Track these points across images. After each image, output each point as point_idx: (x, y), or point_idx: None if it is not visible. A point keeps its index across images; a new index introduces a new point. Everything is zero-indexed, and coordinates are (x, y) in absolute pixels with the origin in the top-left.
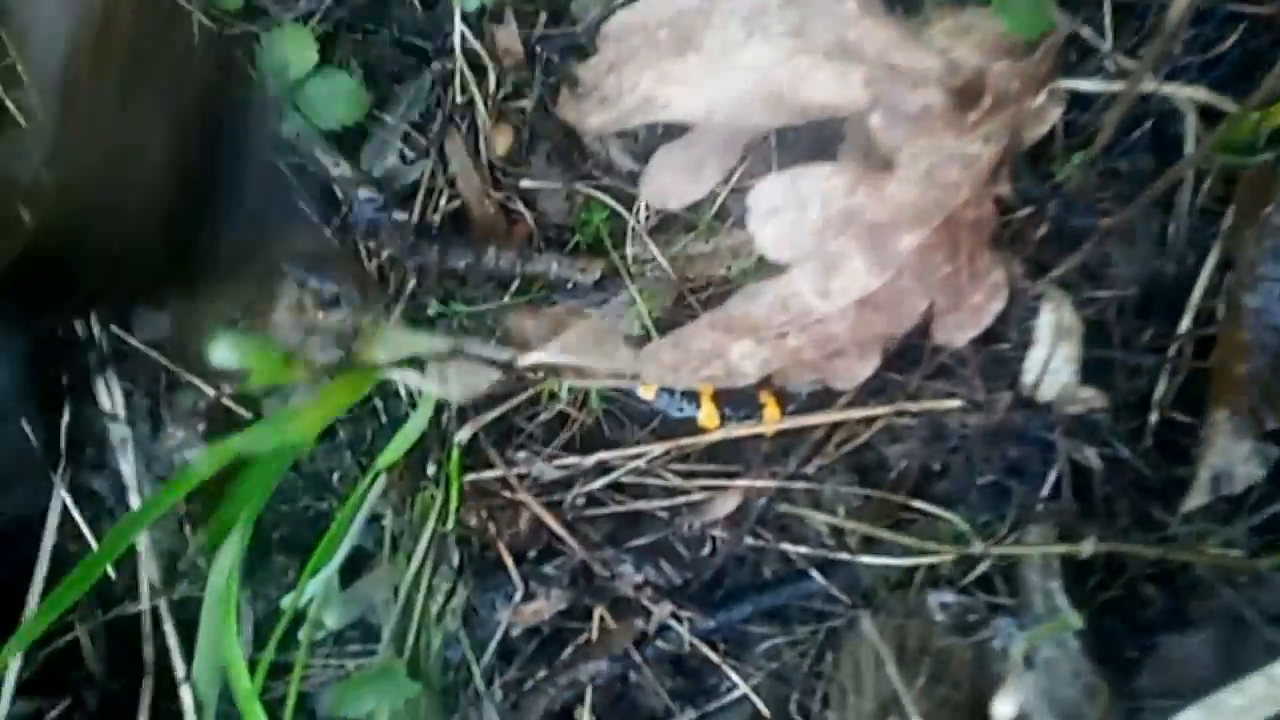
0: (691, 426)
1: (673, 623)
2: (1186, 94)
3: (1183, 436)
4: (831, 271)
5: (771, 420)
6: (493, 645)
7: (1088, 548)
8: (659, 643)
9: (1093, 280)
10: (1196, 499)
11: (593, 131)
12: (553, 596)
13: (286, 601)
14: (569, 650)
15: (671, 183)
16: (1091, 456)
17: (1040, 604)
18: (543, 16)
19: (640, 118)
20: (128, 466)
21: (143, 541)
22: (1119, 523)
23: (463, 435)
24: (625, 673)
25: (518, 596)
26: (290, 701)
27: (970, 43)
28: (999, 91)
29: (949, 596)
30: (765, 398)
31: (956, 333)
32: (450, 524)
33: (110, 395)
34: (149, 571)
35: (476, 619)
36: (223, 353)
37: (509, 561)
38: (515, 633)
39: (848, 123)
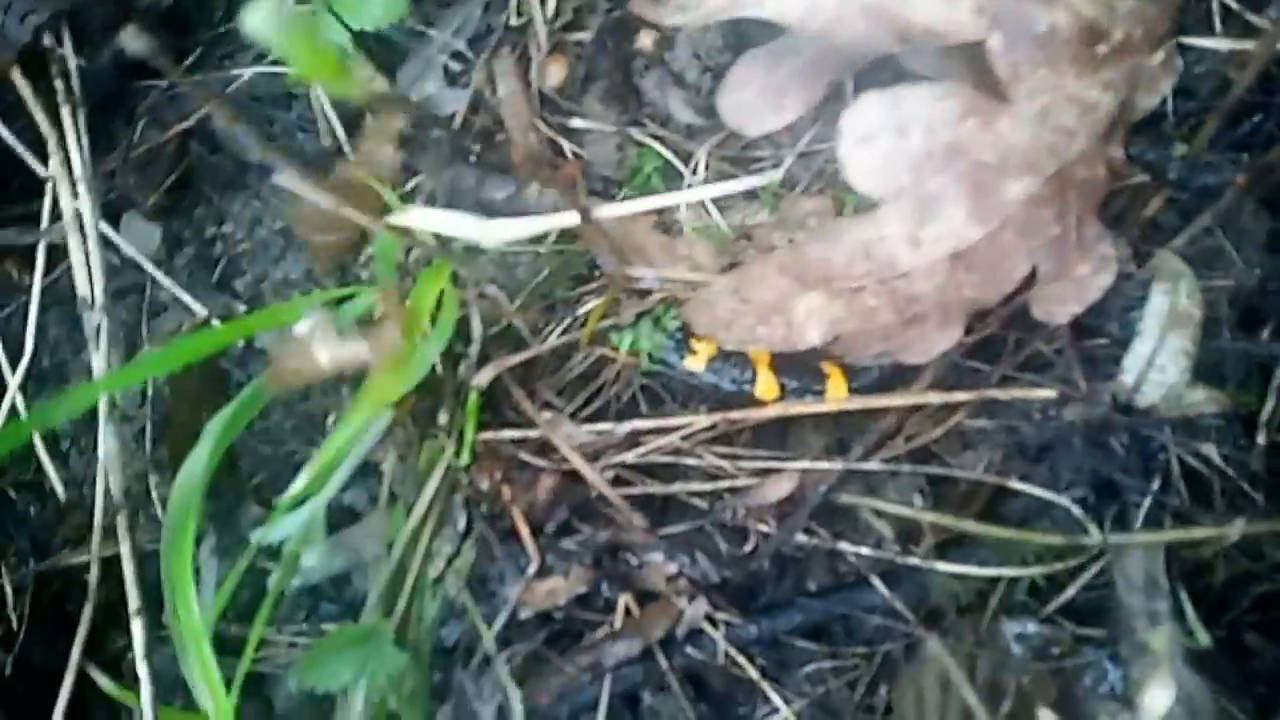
0: (743, 402)
1: (706, 626)
2: None
3: None
4: (927, 215)
5: (837, 395)
6: (497, 624)
7: (1235, 530)
8: (687, 649)
9: (1204, 269)
10: None
11: (674, 25)
12: (571, 576)
13: (257, 535)
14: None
15: (752, 102)
16: (1212, 453)
17: (1145, 631)
18: None
19: (728, 14)
20: (98, 362)
21: (103, 441)
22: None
23: (482, 378)
24: (641, 685)
25: (531, 569)
26: (247, 655)
27: None
28: (1124, 33)
29: (1030, 626)
30: (829, 368)
31: (1058, 307)
32: (463, 461)
33: (91, 284)
34: (110, 480)
35: (481, 593)
36: (258, 20)
37: (524, 530)
38: (523, 616)
39: (949, 56)
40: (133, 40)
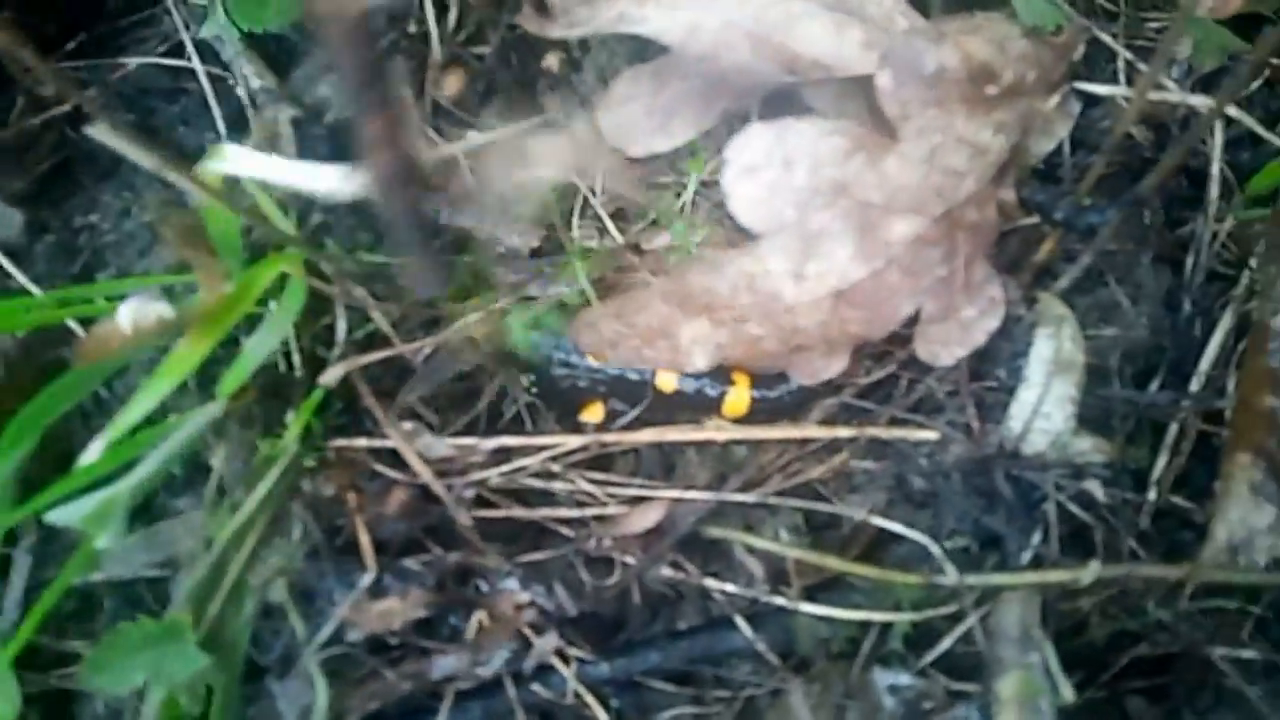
0: (646, 395)
1: (556, 661)
2: (1210, 105)
3: (1182, 528)
4: (810, 252)
5: (739, 403)
6: (320, 637)
7: (1088, 574)
8: (535, 686)
9: (1096, 317)
10: (1208, 569)
11: (558, 35)
12: (410, 598)
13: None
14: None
15: (635, 120)
16: (1096, 492)
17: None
18: None
19: (612, 29)
20: None
21: None
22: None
23: (330, 376)
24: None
25: (363, 582)
26: (16, 641)
27: (981, 39)
28: (1016, 75)
29: (903, 678)
30: (737, 375)
31: (942, 349)
32: (306, 463)
33: None
34: None
35: (309, 610)
36: None
37: (364, 543)
38: (353, 637)
39: (841, 91)
40: None
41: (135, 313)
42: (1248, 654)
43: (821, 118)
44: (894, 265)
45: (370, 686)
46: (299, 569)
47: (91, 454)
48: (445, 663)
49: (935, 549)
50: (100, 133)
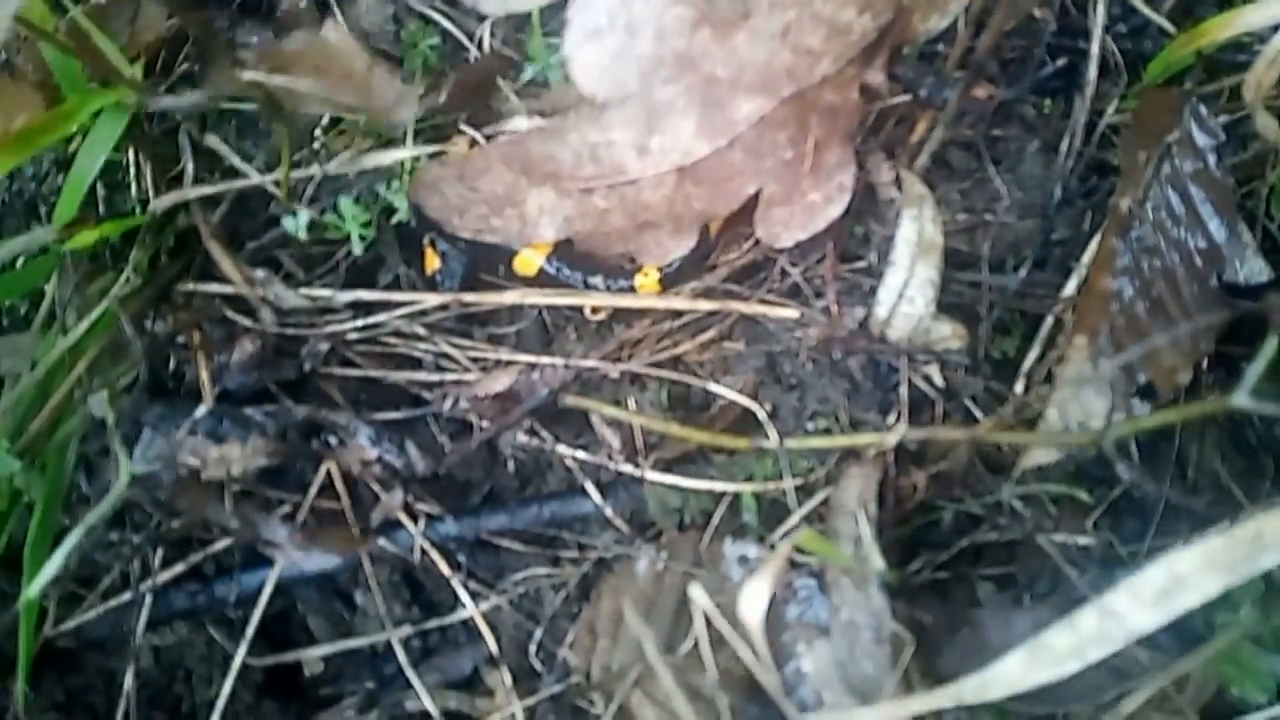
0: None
1: (403, 516)
2: None
3: None
4: (654, 125)
5: (526, 265)
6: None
7: (894, 435)
8: (382, 541)
9: (981, 204)
10: (1039, 455)
11: None
12: (251, 446)
13: None
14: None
15: None
16: (935, 375)
17: (849, 558)
18: None
19: None
20: None
21: None
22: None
23: (160, 204)
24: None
25: (199, 413)
26: None
27: None
28: None
29: (751, 549)
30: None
31: (782, 231)
32: (142, 298)
33: None
34: None
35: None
36: None
37: (205, 380)
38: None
39: None
40: None
41: None
42: (1085, 541)
43: None
44: (738, 145)
45: (184, 497)
46: (133, 402)
47: None
48: (275, 530)
49: (762, 413)
50: None
